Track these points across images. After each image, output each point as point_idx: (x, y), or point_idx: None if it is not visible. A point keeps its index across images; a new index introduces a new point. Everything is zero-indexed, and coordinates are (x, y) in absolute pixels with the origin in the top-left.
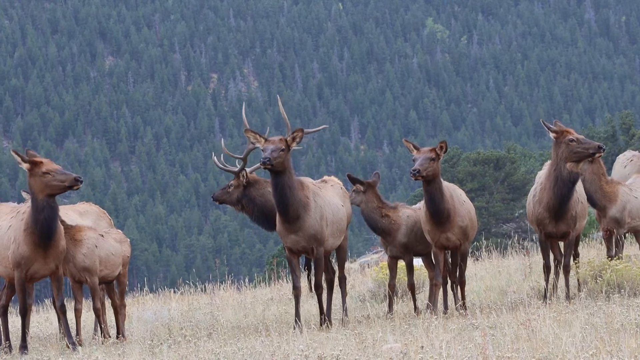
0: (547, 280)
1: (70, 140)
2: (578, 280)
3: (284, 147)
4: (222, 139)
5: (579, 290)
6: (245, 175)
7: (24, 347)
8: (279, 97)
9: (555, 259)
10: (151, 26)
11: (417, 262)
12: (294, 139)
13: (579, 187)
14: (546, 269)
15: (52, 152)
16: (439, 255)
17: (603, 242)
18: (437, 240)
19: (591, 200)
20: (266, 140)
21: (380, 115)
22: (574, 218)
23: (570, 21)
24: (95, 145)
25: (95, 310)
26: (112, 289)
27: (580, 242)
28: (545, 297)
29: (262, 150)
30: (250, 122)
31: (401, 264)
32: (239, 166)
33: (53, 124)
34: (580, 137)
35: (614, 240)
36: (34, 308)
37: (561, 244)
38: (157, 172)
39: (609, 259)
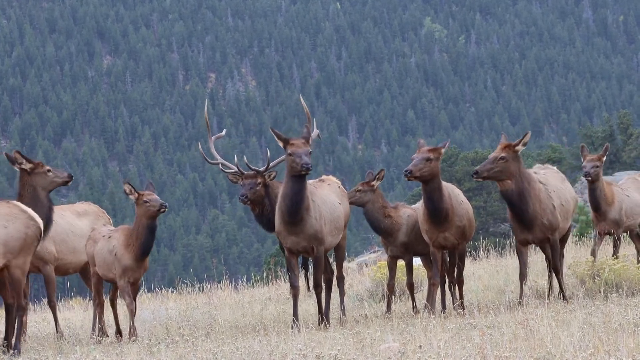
0: (521, 288)
1: (68, 140)
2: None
3: (310, 150)
4: (200, 143)
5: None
6: (271, 174)
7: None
8: (301, 97)
9: (547, 258)
10: (149, 26)
11: (415, 261)
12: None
13: (557, 191)
14: (522, 276)
15: (50, 151)
16: (437, 255)
17: (596, 242)
18: (435, 239)
19: (597, 206)
20: (290, 143)
21: (378, 115)
22: (546, 225)
23: (568, 21)
24: (93, 144)
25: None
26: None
27: (578, 242)
28: (520, 302)
29: (292, 154)
30: (248, 121)
31: (400, 263)
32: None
33: (51, 123)
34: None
35: (613, 241)
36: (31, 307)
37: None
38: (155, 171)
39: (593, 257)
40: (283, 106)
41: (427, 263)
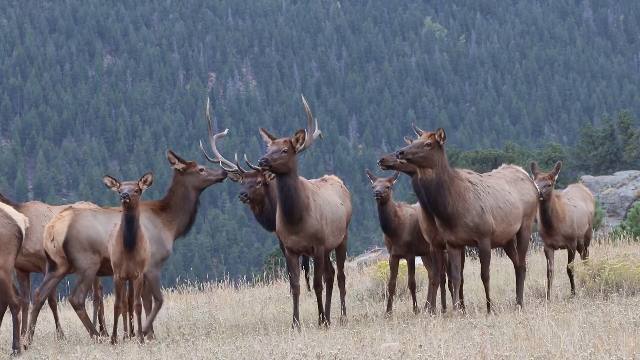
0: (456, 294)
1: (69, 139)
2: (572, 280)
3: (286, 148)
4: (201, 142)
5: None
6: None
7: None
8: (302, 96)
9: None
10: (149, 25)
11: (415, 261)
12: (297, 140)
13: (495, 192)
14: (455, 280)
15: (50, 151)
16: (437, 254)
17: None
18: (434, 238)
19: (548, 225)
20: (273, 141)
21: (379, 114)
22: (470, 226)
23: (569, 20)
24: (94, 144)
25: (137, 306)
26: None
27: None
28: (454, 307)
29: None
30: (248, 120)
31: (401, 263)
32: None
33: (51, 123)
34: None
35: (568, 253)
36: (31, 307)
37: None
38: (155, 171)
39: (551, 272)
40: (283, 106)
41: (428, 262)
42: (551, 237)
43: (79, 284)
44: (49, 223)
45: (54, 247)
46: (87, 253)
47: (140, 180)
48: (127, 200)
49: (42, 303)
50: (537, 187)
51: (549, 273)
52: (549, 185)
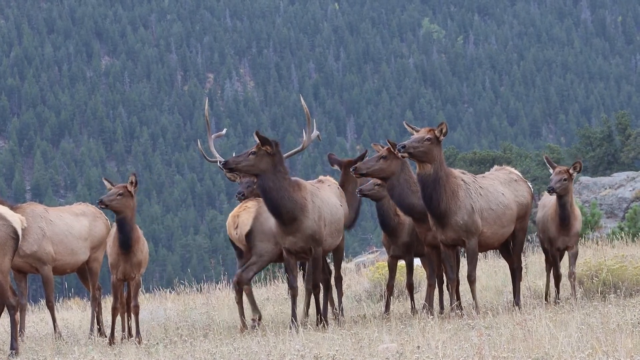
0: (451, 294)
1: (67, 140)
2: (572, 282)
3: (254, 150)
4: (199, 142)
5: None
6: None
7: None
8: (301, 97)
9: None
10: (147, 26)
11: (415, 262)
12: (263, 142)
13: (487, 194)
14: (452, 281)
15: (48, 151)
16: (431, 255)
17: (554, 258)
18: (425, 238)
19: (565, 223)
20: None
21: (377, 116)
22: (460, 224)
23: (567, 21)
24: (92, 145)
25: (135, 308)
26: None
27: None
28: (452, 308)
29: None
30: (246, 122)
31: (400, 264)
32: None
33: (49, 123)
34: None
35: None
36: (29, 308)
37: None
38: (153, 172)
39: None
40: (281, 107)
41: (426, 263)
42: (568, 236)
43: (252, 264)
44: (233, 212)
45: (237, 234)
46: (267, 243)
47: (128, 182)
48: (103, 206)
49: (250, 282)
50: (551, 181)
51: (557, 278)
52: (565, 180)
